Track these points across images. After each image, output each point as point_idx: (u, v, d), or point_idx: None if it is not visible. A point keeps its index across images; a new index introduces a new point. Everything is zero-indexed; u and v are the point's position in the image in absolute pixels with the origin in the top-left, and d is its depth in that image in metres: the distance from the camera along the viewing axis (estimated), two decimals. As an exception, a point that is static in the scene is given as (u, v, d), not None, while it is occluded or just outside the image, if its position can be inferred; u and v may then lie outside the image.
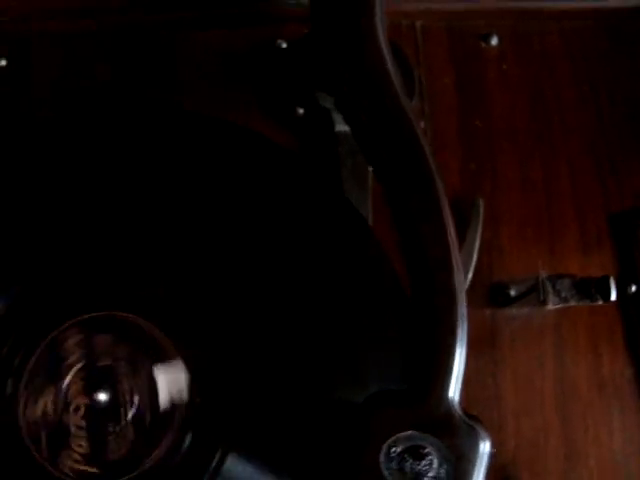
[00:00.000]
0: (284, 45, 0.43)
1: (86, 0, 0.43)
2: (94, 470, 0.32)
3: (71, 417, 0.32)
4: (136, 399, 0.32)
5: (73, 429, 0.32)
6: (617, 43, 0.43)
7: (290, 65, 0.42)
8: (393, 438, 0.26)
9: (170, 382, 0.33)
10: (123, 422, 0.32)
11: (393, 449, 0.26)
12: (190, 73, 0.43)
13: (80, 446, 0.32)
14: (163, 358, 0.33)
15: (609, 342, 0.35)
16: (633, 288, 0.34)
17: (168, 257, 0.34)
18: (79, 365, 0.32)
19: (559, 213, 0.38)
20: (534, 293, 0.34)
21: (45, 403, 0.32)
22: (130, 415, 0.32)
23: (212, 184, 0.34)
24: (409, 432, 0.26)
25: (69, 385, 0.32)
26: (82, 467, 0.32)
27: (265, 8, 0.44)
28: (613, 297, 0.29)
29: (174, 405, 0.32)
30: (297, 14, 0.43)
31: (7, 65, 0.44)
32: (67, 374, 0.32)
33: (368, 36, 0.33)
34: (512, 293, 0.36)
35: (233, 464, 0.32)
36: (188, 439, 0.32)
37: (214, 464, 0.32)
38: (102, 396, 0.32)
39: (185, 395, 0.33)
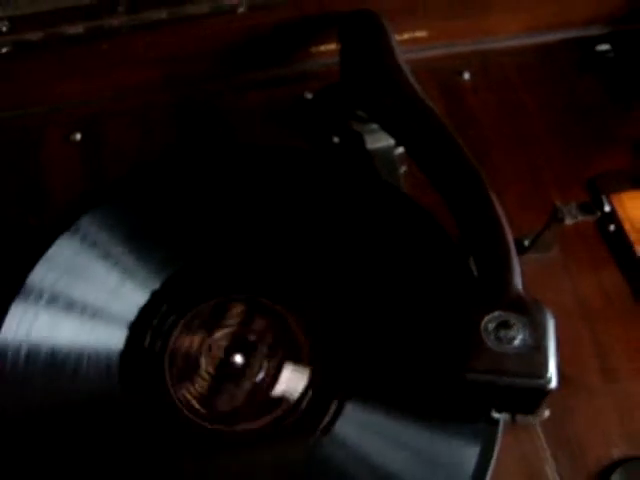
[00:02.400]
0: (309, 96, 0.56)
1: (150, 77, 0.54)
2: (199, 408, 0.39)
3: (206, 361, 0.40)
4: (259, 377, 0.40)
5: (202, 371, 0.40)
6: (552, 68, 0.57)
7: (321, 107, 0.55)
8: (487, 318, 0.36)
9: (290, 380, 0.40)
10: (239, 388, 0.40)
11: (490, 325, 0.36)
12: (240, 123, 0.55)
13: (200, 386, 0.39)
14: (295, 358, 0.40)
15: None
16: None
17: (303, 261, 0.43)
18: (233, 329, 0.40)
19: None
20: (542, 239, 0.46)
21: (193, 340, 0.40)
22: (247, 386, 0.40)
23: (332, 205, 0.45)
24: (497, 313, 0.37)
25: (218, 338, 0.40)
26: (192, 401, 0.39)
27: (290, 72, 0.57)
28: (607, 209, 0.42)
29: (284, 397, 0.39)
30: (316, 73, 0.56)
31: (81, 139, 0.54)
32: (221, 330, 0.40)
33: (397, 69, 0.47)
34: (526, 243, 0.48)
35: (351, 410, 0.38)
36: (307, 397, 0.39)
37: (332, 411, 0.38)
38: (237, 359, 0.40)
39: (296, 395, 0.39)
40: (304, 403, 0.39)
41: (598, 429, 0.42)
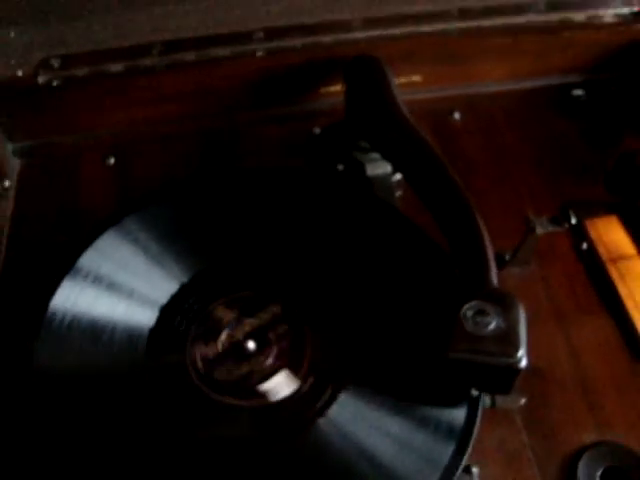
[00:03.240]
0: (317, 131, 0.64)
1: (179, 109, 0.62)
2: (201, 367, 0.44)
3: (225, 334, 0.46)
4: (256, 368, 0.45)
5: (219, 340, 0.46)
6: (532, 110, 0.64)
7: (328, 141, 0.62)
8: (467, 306, 0.42)
9: (278, 384, 0.45)
10: (238, 367, 0.45)
11: (468, 312, 0.42)
12: (256, 153, 0.62)
13: (211, 350, 0.45)
14: (294, 370, 0.45)
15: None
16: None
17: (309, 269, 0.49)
18: (261, 322, 0.46)
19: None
20: (520, 253, 0.52)
21: (227, 315, 0.46)
22: (244, 369, 0.45)
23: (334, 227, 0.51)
24: (475, 302, 0.42)
25: (246, 323, 0.46)
26: (198, 360, 0.45)
27: (301, 109, 0.64)
28: (573, 221, 0.48)
29: (265, 394, 0.45)
30: (324, 111, 0.64)
31: (115, 163, 0.61)
32: (252, 319, 0.47)
33: (396, 106, 0.54)
34: (506, 257, 0.54)
35: (345, 398, 0.44)
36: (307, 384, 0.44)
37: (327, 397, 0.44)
38: (249, 345, 0.46)
39: (276, 397, 0.44)
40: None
41: (570, 417, 0.47)
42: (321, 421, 0.43)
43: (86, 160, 0.60)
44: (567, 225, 0.48)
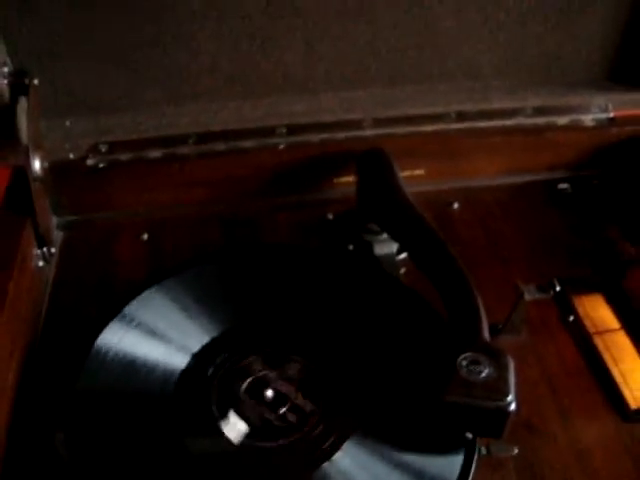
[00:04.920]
0: (331, 217, 0.71)
1: (207, 194, 0.69)
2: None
3: (244, 385, 0.51)
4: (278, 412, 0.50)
5: (242, 390, 0.50)
6: (523, 202, 0.71)
7: (341, 224, 0.69)
8: (462, 357, 0.47)
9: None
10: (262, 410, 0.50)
11: (463, 362, 0.47)
12: (275, 236, 0.69)
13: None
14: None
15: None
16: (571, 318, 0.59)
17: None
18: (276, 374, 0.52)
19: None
20: (512, 322, 0.57)
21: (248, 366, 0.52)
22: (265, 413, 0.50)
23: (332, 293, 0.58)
24: (469, 353, 0.47)
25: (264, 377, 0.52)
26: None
27: (316, 197, 0.72)
28: (557, 289, 0.54)
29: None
30: (336, 199, 0.71)
31: (148, 239, 0.68)
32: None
33: (402, 194, 0.62)
34: (499, 326, 0.59)
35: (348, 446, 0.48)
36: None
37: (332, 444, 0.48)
38: (269, 393, 0.51)
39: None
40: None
41: (559, 466, 0.50)
42: (326, 465, 0.47)
43: (122, 235, 0.67)
44: (552, 292, 0.54)
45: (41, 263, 0.62)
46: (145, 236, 0.67)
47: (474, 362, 0.47)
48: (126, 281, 0.63)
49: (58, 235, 0.67)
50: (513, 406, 0.45)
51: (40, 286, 0.61)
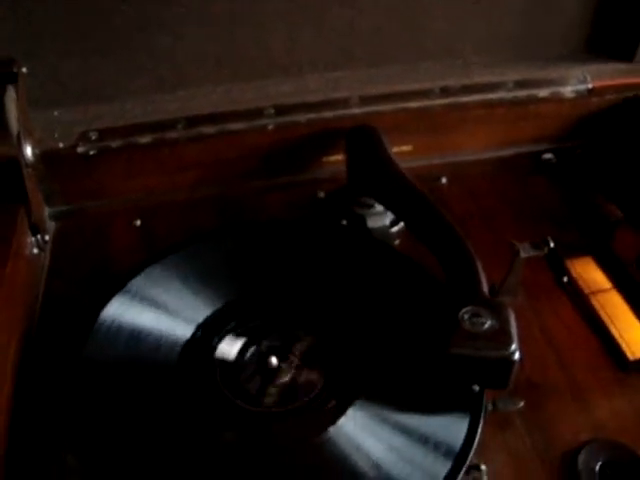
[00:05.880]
0: (322, 195, 0.71)
1: (198, 177, 0.70)
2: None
3: (248, 354, 0.52)
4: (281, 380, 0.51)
5: (246, 358, 0.51)
6: (508, 173, 0.73)
7: (332, 202, 0.69)
8: (463, 310, 0.48)
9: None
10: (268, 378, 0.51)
11: (465, 315, 0.48)
12: (266, 215, 0.69)
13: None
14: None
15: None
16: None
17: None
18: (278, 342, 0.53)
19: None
20: (508, 283, 0.58)
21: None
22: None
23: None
24: (470, 307, 0.48)
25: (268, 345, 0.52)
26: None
27: (306, 175, 0.72)
28: (551, 245, 0.55)
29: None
30: (326, 178, 0.72)
31: (141, 225, 0.68)
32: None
33: (394, 164, 0.63)
34: (496, 288, 0.60)
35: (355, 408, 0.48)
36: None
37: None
38: (273, 360, 0.51)
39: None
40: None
41: (565, 419, 0.51)
42: (331, 429, 0.47)
43: (115, 222, 0.67)
44: (546, 249, 0.55)
45: (35, 250, 0.62)
46: (138, 222, 0.67)
47: (475, 315, 0.48)
48: (121, 266, 0.63)
49: (51, 225, 0.67)
50: (517, 355, 0.46)
51: (35, 273, 0.61)
